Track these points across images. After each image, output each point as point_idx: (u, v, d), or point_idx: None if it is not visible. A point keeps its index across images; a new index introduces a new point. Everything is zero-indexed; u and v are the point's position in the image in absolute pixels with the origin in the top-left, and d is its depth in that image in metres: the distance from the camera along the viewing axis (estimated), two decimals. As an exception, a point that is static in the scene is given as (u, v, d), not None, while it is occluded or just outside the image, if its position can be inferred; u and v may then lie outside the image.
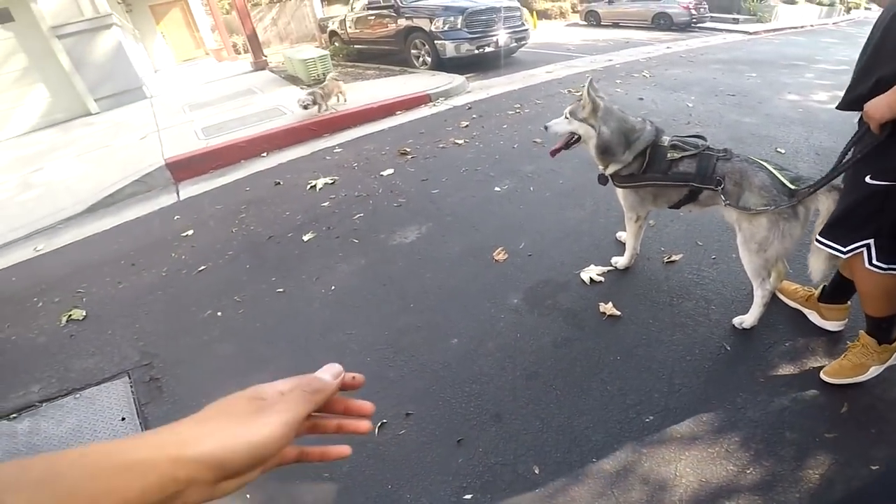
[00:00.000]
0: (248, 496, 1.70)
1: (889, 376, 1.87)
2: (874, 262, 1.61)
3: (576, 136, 2.29)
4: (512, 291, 2.58)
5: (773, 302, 2.23)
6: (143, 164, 4.80)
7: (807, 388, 1.88)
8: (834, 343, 2.06)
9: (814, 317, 2.15)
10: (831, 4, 22.52)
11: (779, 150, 4.04)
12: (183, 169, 4.77)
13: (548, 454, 1.74)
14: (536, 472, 1.68)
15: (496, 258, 2.87)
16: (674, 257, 2.67)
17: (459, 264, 2.87)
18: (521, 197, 3.56)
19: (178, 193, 4.45)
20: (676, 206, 2.22)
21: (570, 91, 6.30)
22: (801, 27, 16.21)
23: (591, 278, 2.57)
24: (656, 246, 2.79)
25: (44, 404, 2.22)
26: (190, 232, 3.63)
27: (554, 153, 2.39)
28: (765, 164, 1.93)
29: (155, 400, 2.18)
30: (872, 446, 1.65)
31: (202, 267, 3.14)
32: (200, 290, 2.91)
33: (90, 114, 7.65)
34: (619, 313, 2.32)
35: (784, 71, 7.34)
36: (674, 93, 6.15)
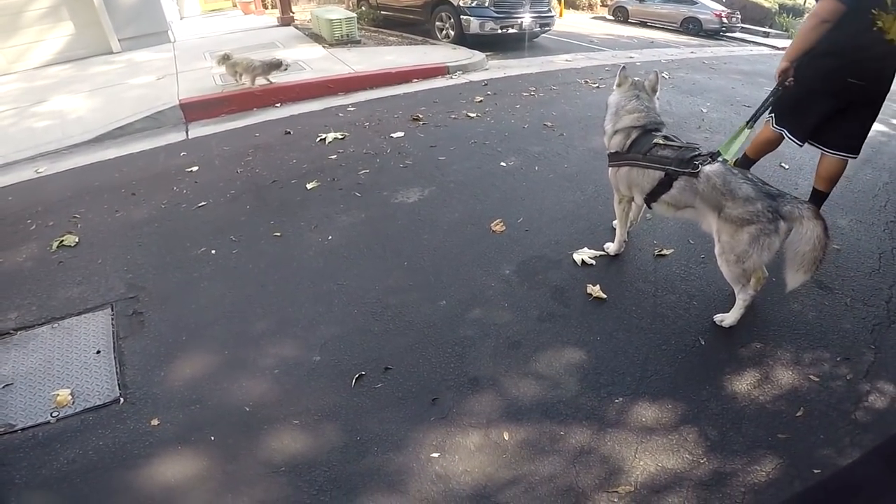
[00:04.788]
0: (212, 438, 1.69)
1: (841, 387, 1.91)
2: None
3: None
4: (505, 262, 2.58)
5: (756, 307, 2.24)
6: (157, 103, 4.71)
7: (770, 390, 1.91)
8: (802, 351, 2.08)
9: None
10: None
11: (783, 165, 3.99)
12: (196, 110, 4.69)
13: (519, 422, 1.75)
14: (506, 437, 1.69)
15: (494, 229, 2.85)
16: (665, 251, 2.67)
17: (457, 230, 2.85)
18: (524, 175, 3.52)
19: (187, 132, 4.38)
20: (651, 197, 2.18)
21: (586, 81, 6.18)
22: (831, 48, 15.87)
23: (582, 260, 2.56)
24: (649, 239, 2.78)
25: (18, 332, 2.12)
26: (195, 168, 3.57)
27: None
28: (750, 177, 1.94)
29: (134, 334, 2.12)
30: (818, 451, 1.68)
31: (202, 203, 3.10)
32: (197, 226, 2.86)
33: (111, 52, 7.49)
34: (604, 296, 2.32)
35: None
36: (690, 97, 6.04)
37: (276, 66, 5.03)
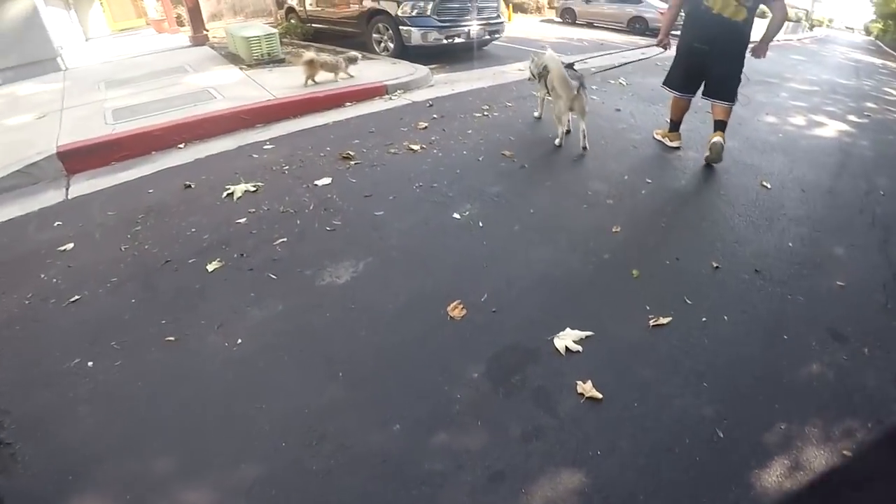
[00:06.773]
0: None
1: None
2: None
3: None
4: (471, 361, 2.15)
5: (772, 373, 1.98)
6: (31, 151, 4.02)
7: (803, 477, 1.74)
8: (831, 423, 1.84)
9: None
10: (797, 21, 23.87)
11: (765, 184, 3.97)
12: (78, 159, 4.04)
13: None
14: None
15: (451, 314, 2.41)
16: (661, 320, 2.36)
17: (405, 319, 2.40)
18: (483, 228, 3.12)
19: (67, 190, 3.74)
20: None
21: (543, 94, 6.01)
22: (769, 42, 17.02)
23: (566, 347, 2.19)
24: (641, 304, 2.47)
25: None
26: (69, 246, 2.97)
27: None
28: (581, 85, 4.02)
29: (7, 471, 1.70)
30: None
31: (76, 296, 2.53)
32: (70, 329, 2.33)
33: (-13, 85, 6.72)
34: (599, 396, 1.97)
35: (758, 88, 7.42)
36: (652, 105, 5.98)
37: (354, 60, 6.06)
